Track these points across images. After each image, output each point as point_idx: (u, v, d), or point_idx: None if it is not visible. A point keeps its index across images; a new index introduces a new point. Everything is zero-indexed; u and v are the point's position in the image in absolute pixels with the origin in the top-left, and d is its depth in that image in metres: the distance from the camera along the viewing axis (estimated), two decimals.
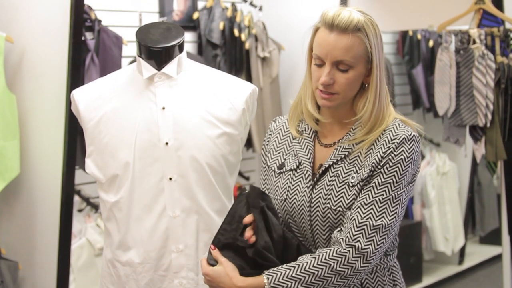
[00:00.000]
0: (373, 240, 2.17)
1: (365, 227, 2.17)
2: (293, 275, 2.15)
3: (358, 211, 2.19)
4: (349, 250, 2.16)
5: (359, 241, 2.16)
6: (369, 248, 2.17)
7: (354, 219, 2.18)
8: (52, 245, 4.00)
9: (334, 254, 2.16)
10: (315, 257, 2.17)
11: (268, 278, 2.16)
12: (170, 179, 2.50)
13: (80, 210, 4.48)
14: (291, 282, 2.14)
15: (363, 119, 2.26)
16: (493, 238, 6.79)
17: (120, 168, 2.51)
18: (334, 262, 2.16)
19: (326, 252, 2.17)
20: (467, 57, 4.42)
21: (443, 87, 4.59)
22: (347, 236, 2.17)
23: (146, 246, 2.53)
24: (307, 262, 2.17)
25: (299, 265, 2.17)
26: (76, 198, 4.39)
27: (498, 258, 6.17)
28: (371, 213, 2.18)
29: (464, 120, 4.47)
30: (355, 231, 2.17)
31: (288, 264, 2.18)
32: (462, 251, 6.68)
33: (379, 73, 2.25)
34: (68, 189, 3.96)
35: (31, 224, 4.14)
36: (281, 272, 2.16)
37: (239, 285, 2.18)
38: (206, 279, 2.24)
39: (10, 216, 4.23)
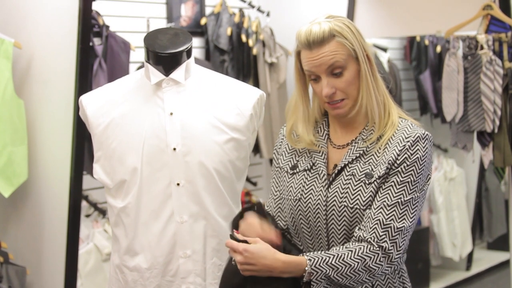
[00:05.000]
0: (396, 242, 2.22)
1: (389, 228, 2.21)
2: (332, 263, 2.18)
3: (381, 212, 2.22)
4: (378, 251, 2.20)
5: (385, 241, 2.21)
6: (392, 250, 2.21)
7: (379, 219, 2.21)
8: (60, 250, 4.01)
9: (368, 251, 2.20)
10: (351, 250, 2.20)
11: (310, 260, 2.17)
12: (178, 184, 2.51)
13: (87, 215, 4.48)
14: (329, 269, 2.17)
15: (362, 112, 2.31)
16: (501, 244, 6.77)
17: (128, 173, 2.51)
18: (368, 259, 2.19)
19: (360, 248, 2.20)
20: (475, 62, 4.42)
21: (450, 92, 4.59)
22: (375, 236, 2.21)
23: (154, 252, 2.53)
24: (344, 254, 2.19)
25: (337, 254, 2.19)
26: (84, 203, 4.40)
27: (506, 264, 6.16)
28: (393, 214, 2.22)
29: (472, 126, 4.47)
30: (381, 232, 2.21)
31: (326, 252, 2.21)
32: (469, 257, 6.66)
33: (366, 66, 2.30)
34: (76, 194, 3.97)
35: (39, 229, 4.14)
36: (322, 258, 2.18)
37: (282, 260, 2.16)
38: (243, 256, 2.15)
39: (18, 221, 4.24)
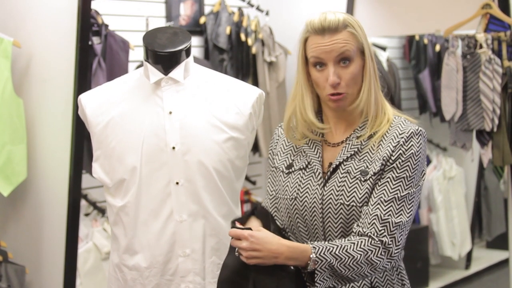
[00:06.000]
0: (394, 237, 2.22)
1: (387, 223, 2.22)
2: (336, 253, 2.18)
3: (378, 207, 2.23)
4: (379, 245, 2.21)
5: (385, 236, 2.21)
6: (392, 244, 2.22)
7: (376, 215, 2.22)
8: (59, 249, 4.01)
9: (369, 245, 2.21)
10: (353, 243, 2.20)
11: (314, 248, 2.17)
12: (177, 183, 2.51)
13: (87, 214, 4.48)
14: (333, 259, 2.17)
15: (360, 107, 2.31)
16: (500, 242, 6.76)
17: (127, 172, 2.51)
18: (370, 252, 2.20)
19: (362, 241, 2.21)
20: (474, 61, 4.42)
21: (450, 91, 4.59)
22: (374, 231, 2.21)
23: (153, 251, 2.53)
24: (347, 245, 2.20)
25: (340, 245, 2.19)
26: (83, 202, 4.39)
27: (505, 262, 6.16)
28: (391, 210, 2.22)
29: (471, 125, 4.47)
30: (380, 227, 2.21)
31: (329, 242, 2.21)
32: (469, 256, 6.66)
33: (371, 63, 2.32)
34: (75, 193, 3.97)
35: (38, 228, 4.14)
36: (326, 247, 2.18)
37: (287, 245, 2.17)
38: (249, 241, 2.15)
39: (17, 220, 4.24)
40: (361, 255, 2.19)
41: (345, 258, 2.18)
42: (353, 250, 2.19)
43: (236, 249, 2.20)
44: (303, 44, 2.33)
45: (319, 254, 2.16)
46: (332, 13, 2.30)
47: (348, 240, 2.22)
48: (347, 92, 2.28)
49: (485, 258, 6.96)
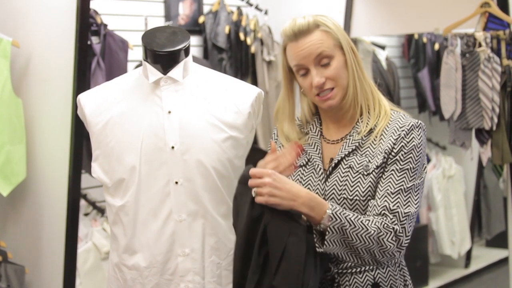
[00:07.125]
0: (405, 227, 2.23)
1: (397, 214, 2.22)
2: (352, 219, 2.18)
3: (386, 200, 2.23)
4: (392, 230, 2.21)
5: (396, 224, 2.21)
6: (402, 234, 2.22)
7: (385, 206, 2.23)
8: (59, 249, 4.01)
9: (383, 226, 2.20)
10: (369, 220, 2.21)
11: (332, 205, 2.18)
12: (176, 183, 2.51)
13: (86, 214, 4.48)
14: (348, 223, 2.17)
15: (350, 100, 2.33)
16: (499, 241, 6.78)
17: (127, 172, 2.51)
18: (383, 233, 2.20)
19: (378, 220, 2.21)
20: (473, 60, 4.42)
21: (449, 90, 4.59)
22: (386, 219, 2.21)
23: (153, 250, 2.53)
24: (364, 218, 2.20)
25: (357, 215, 2.20)
26: (82, 202, 4.39)
27: (504, 261, 6.16)
28: (398, 201, 2.23)
29: (470, 123, 4.47)
30: (391, 216, 2.22)
31: (347, 210, 2.22)
32: (468, 254, 6.67)
33: (352, 56, 2.33)
34: (74, 193, 3.97)
35: (38, 228, 4.14)
36: (343, 210, 2.19)
37: (307, 191, 2.19)
38: (272, 178, 2.15)
39: (17, 220, 4.24)
40: (375, 231, 2.19)
41: (359, 227, 2.18)
42: (368, 224, 2.19)
43: (254, 189, 2.18)
44: (283, 53, 2.36)
45: (335, 212, 2.16)
46: (301, 17, 2.32)
47: (364, 216, 2.23)
48: (335, 87, 2.29)
49: (485, 256, 6.97)
